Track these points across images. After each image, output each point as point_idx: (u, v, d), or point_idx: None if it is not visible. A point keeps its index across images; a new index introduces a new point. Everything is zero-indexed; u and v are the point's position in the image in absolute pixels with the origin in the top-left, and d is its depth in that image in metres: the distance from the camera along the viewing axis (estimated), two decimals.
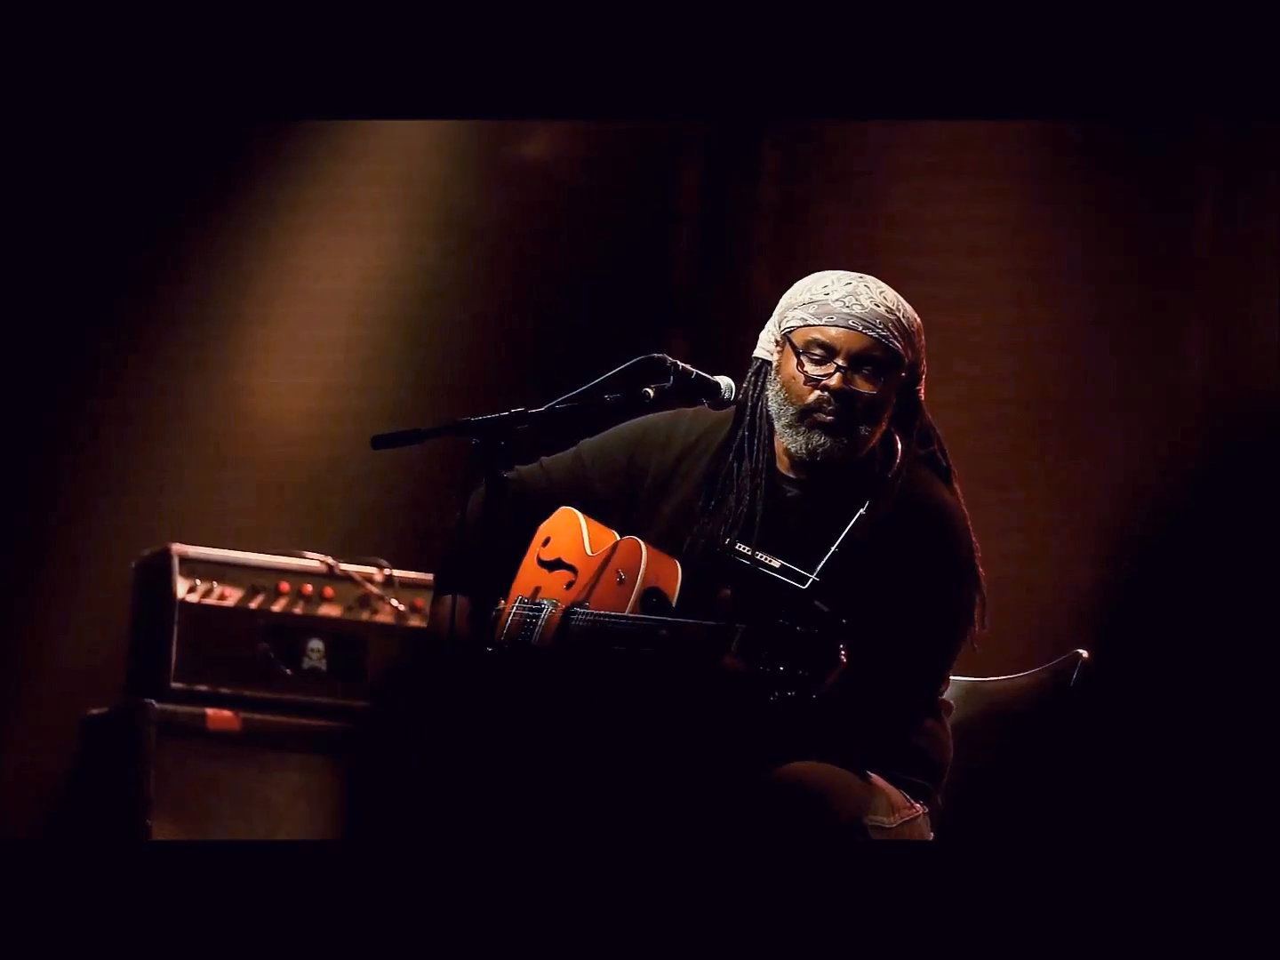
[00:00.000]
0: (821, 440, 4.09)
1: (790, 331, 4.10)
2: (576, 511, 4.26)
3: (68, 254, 6.70)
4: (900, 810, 4.06)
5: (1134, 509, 6.10)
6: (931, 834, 4.12)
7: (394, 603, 6.18)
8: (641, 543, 4.11)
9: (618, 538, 4.19)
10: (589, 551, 4.20)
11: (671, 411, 4.29)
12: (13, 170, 6.50)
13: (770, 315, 4.25)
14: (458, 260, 6.99)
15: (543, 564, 4.26)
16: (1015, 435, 6.27)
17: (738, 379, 4.18)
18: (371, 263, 6.98)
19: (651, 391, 4.06)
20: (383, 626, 6.17)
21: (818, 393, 4.06)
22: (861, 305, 4.06)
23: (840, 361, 4.06)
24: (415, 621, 6.19)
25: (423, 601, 6.19)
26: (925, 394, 4.19)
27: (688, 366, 4.10)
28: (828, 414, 4.07)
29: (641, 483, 4.25)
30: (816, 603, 3.77)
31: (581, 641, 4.09)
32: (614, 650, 4.02)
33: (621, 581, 4.10)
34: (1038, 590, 6.06)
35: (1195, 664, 5.88)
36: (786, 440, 4.12)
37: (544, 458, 4.35)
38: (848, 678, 3.76)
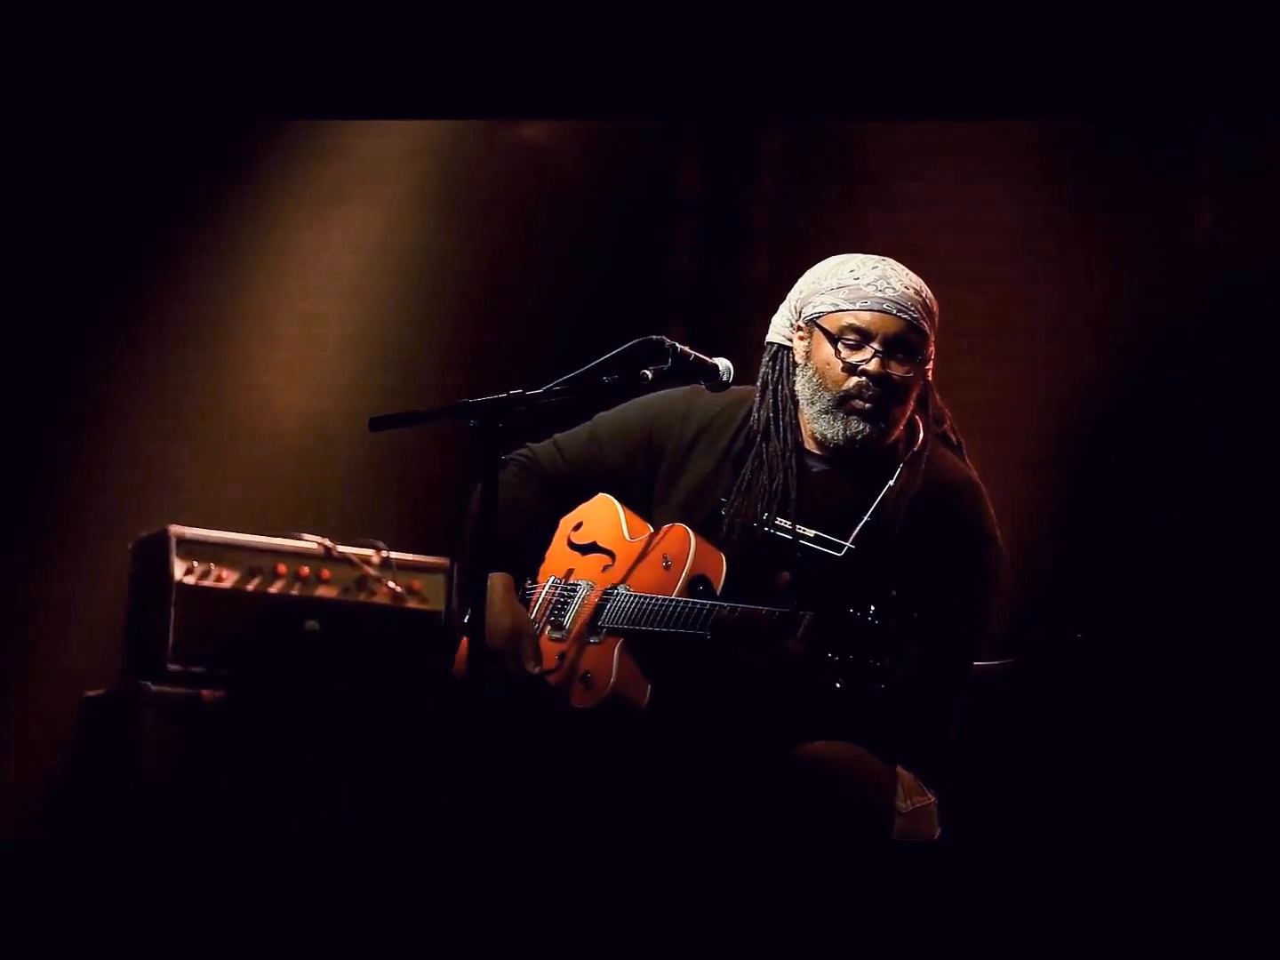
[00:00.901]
0: (860, 427, 4.12)
1: (819, 316, 4.13)
2: (613, 499, 4.27)
3: (65, 248, 6.70)
4: (913, 795, 4.07)
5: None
6: (938, 828, 4.13)
7: (391, 584, 6.19)
8: (690, 531, 4.13)
9: (652, 529, 4.20)
10: (628, 537, 4.21)
11: (688, 388, 4.31)
12: (15, 167, 6.53)
13: (770, 301, 4.27)
14: (457, 249, 6.99)
15: (575, 547, 4.29)
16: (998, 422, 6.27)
17: (737, 364, 4.19)
18: (371, 253, 6.97)
19: (650, 373, 4.06)
20: (380, 608, 6.18)
21: (856, 378, 4.10)
22: (893, 288, 4.10)
23: (876, 345, 4.10)
24: (413, 603, 6.20)
25: (420, 584, 6.21)
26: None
27: (686, 348, 4.11)
28: (866, 400, 4.11)
29: (660, 458, 4.27)
30: (894, 592, 3.78)
31: (623, 622, 4.10)
32: (663, 633, 4.03)
33: (668, 567, 4.11)
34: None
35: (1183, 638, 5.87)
36: (821, 426, 4.15)
37: (558, 435, 4.37)
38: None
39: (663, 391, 4.31)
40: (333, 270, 6.93)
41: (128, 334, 6.82)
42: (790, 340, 4.20)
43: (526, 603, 4.26)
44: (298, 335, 6.93)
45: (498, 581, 4.21)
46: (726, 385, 4.16)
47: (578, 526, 4.28)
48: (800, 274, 4.26)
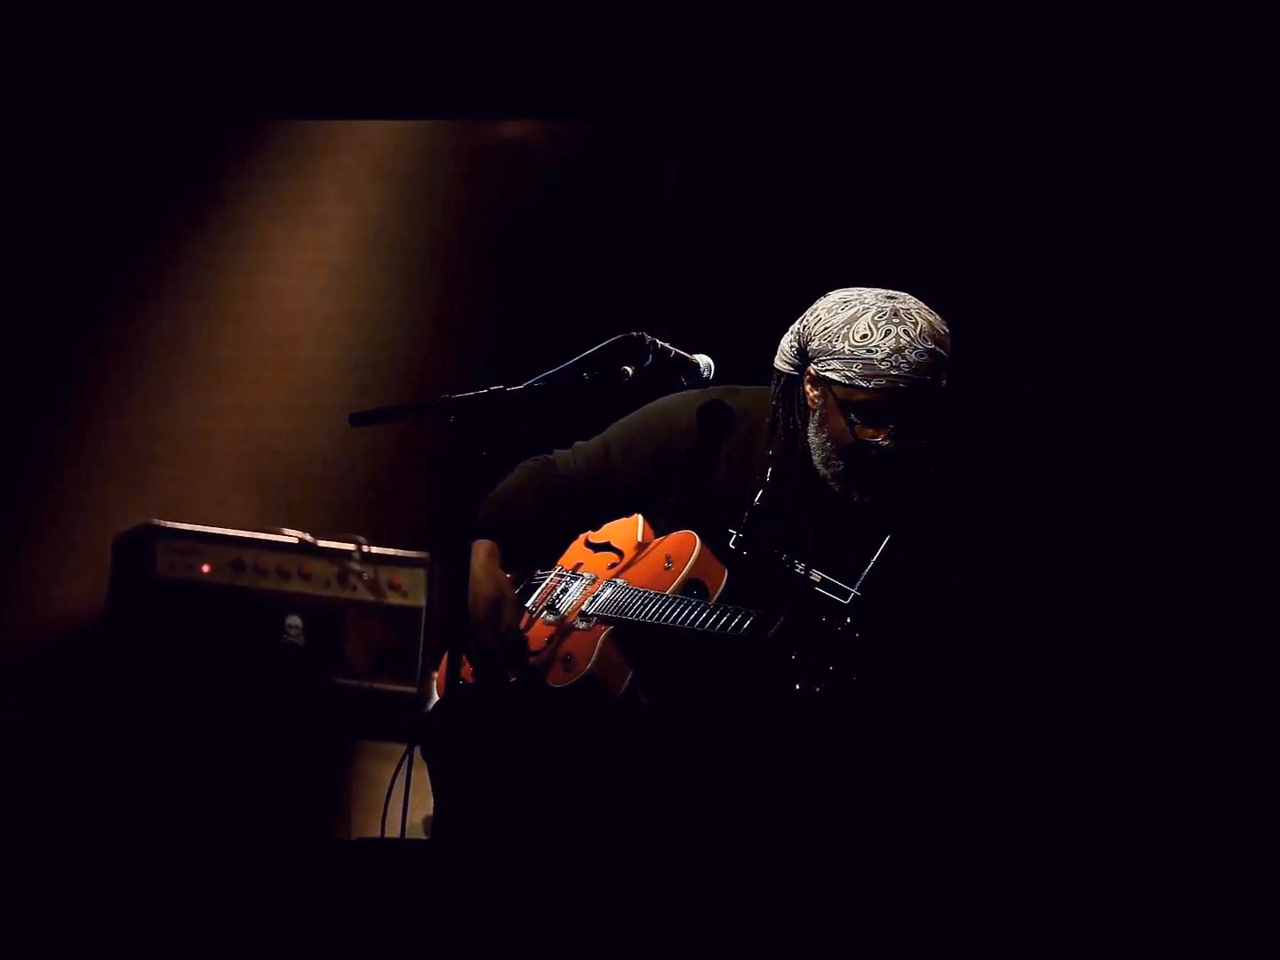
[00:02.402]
0: (871, 495, 4.04)
1: (831, 382, 4.00)
2: (640, 516, 4.24)
3: (48, 257, 6.73)
4: None
5: None
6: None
7: (371, 578, 6.19)
8: (698, 538, 4.10)
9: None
10: (639, 539, 4.21)
11: (697, 392, 4.23)
12: (8, 164, 6.56)
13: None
14: (435, 247, 6.99)
15: (590, 545, 4.28)
16: None
17: (718, 361, 4.16)
18: (349, 251, 6.98)
19: (630, 370, 4.02)
20: (361, 603, 6.18)
21: (870, 452, 3.99)
22: (908, 361, 3.95)
23: (893, 425, 3.98)
24: (393, 598, 6.20)
25: (400, 578, 6.21)
26: None
27: (667, 345, 4.07)
28: (879, 473, 4.01)
29: (663, 468, 4.21)
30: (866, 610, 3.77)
31: (611, 611, 4.09)
32: (643, 623, 4.02)
33: (668, 567, 4.10)
34: None
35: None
36: (834, 484, 4.05)
37: (578, 442, 4.32)
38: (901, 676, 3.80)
39: (670, 400, 4.25)
40: (310, 269, 6.93)
41: (111, 333, 6.83)
42: (797, 372, 4.11)
43: (534, 589, 4.29)
44: (278, 332, 6.93)
45: (480, 549, 4.18)
46: (708, 382, 4.13)
47: (599, 530, 4.30)
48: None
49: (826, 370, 4.00)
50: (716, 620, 3.92)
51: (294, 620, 6.09)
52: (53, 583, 6.69)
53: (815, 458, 4.07)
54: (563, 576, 4.26)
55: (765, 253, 6.15)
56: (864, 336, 3.98)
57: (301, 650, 6.09)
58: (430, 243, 6.95)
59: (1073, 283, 5.77)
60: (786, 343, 4.12)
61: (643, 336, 4.05)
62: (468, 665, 4.13)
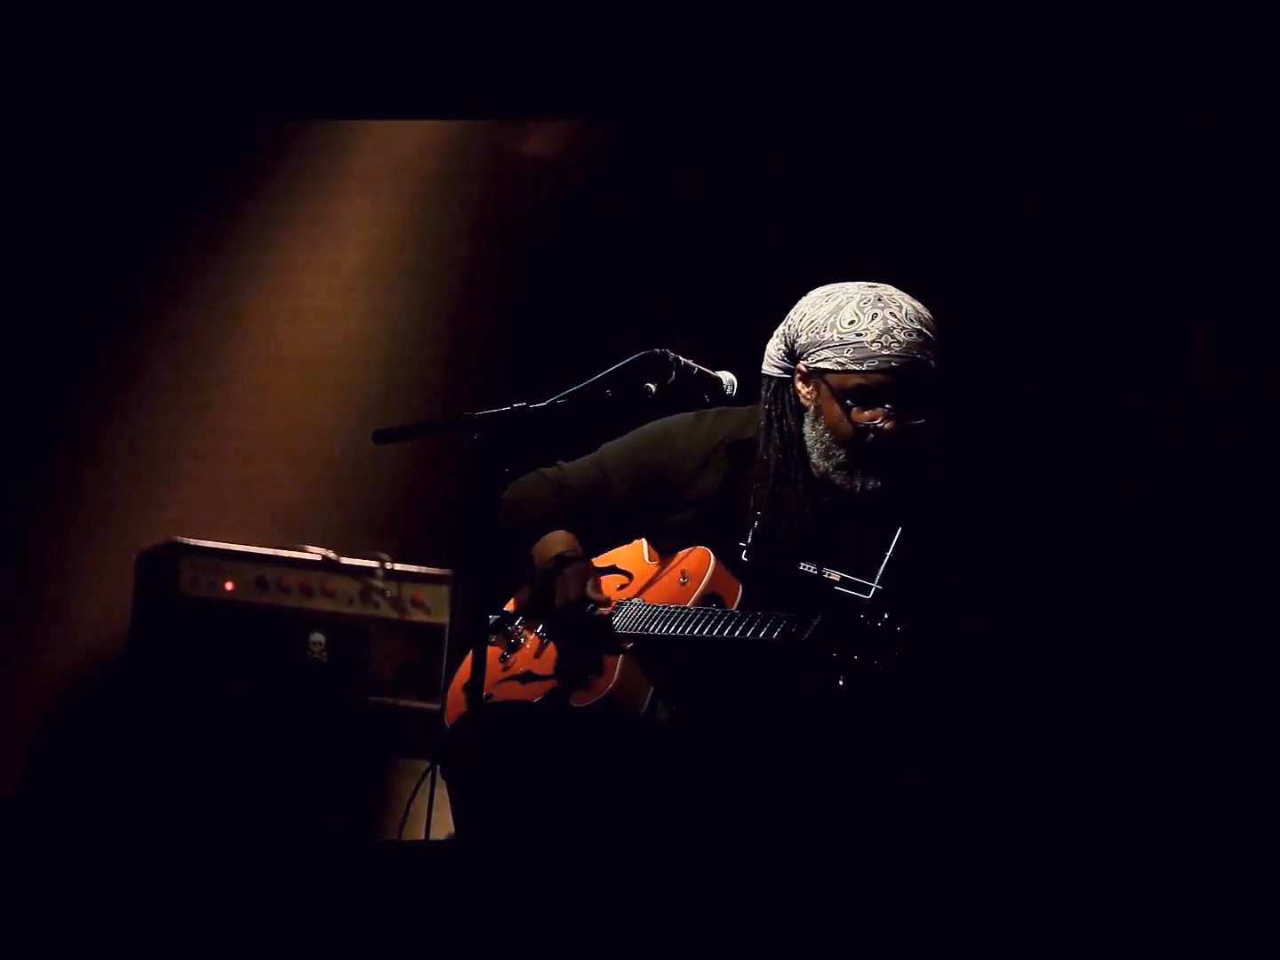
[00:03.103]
0: (875, 483, 4.05)
1: (825, 373, 4.03)
2: (644, 540, 4.25)
3: (69, 267, 6.72)
4: None
5: None
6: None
7: (394, 595, 6.18)
8: (712, 554, 4.10)
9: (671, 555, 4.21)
10: (647, 560, 4.20)
11: (691, 417, 4.25)
12: (24, 184, 6.57)
13: (764, 316, 4.21)
14: (457, 258, 6.98)
15: (596, 570, 4.27)
16: None
17: (735, 369, 4.16)
18: (371, 262, 6.98)
19: (653, 387, 4.03)
20: (384, 620, 6.18)
21: (870, 436, 4.01)
22: (898, 341, 3.99)
23: (889, 405, 4.01)
24: (416, 615, 6.20)
25: (423, 595, 6.21)
26: None
27: (689, 362, 4.08)
28: (881, 457, 4.03)
29: (663, 491, 4.22)
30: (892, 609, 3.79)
31: (631, 628, 4.08)
32: (668, 635, 4.01)
33: (684, 582, 4.10)
34: None
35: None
36: (837, 479, 4.07)
37: (562, 462, 4.33)
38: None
39: (666, 424, 4.25)
40: (333, 283, 6.93)
41: (132, 346, 6.82)
42: (787, 374, 4.13)
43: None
44: (301, 349, 6.93)
45: (561, 533, 4.20)
46: (731, 399, 4.14)
47: (600, 556, 4.29)
48: (802, 286, 4.20)
49: (818, 362, 4.04)
50: (747, 627, 3.92)
51: (317, 637, 6.09)
52: (76, 600, 6.68)
53: (814, 454, 4.09)
54: None
55: (779, 260, 6.16)
56: (851, 323, 4.02)
57: (325, 667, 6.09)
58: (453, 246, 6.95)
59: (1072, 278, 5.79)
60: (773, 346, 4.16)
61: (666, 353, 4.06)
62: (490, 684, 4.13)
